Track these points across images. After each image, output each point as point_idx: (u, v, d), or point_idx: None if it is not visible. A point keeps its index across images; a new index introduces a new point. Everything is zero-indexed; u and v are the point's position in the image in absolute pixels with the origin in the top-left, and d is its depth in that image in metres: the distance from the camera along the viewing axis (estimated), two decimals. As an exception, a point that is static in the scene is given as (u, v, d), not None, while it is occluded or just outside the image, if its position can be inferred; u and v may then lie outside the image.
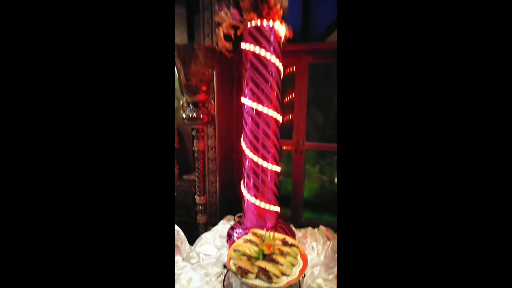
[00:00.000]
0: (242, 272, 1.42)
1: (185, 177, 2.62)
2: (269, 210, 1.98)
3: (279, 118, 1.88)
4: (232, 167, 2.71)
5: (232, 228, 2.14)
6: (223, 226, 2.30)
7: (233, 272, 1.45)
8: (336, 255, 1.91)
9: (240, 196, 2.10)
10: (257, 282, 1.40)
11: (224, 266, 1.77)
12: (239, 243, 1.66)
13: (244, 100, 1.87)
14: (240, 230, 2.04)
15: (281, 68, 1.83)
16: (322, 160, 2.85)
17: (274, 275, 1.39)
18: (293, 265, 1.50)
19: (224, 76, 2.39)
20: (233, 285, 1.64)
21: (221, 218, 2.51)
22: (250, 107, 1.83)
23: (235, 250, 1.58)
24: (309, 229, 2.26)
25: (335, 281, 1.63)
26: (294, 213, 2.61)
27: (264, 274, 1.40)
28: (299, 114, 2.39)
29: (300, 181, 2.55)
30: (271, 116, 1.82)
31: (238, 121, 2.58)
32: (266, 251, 1.54)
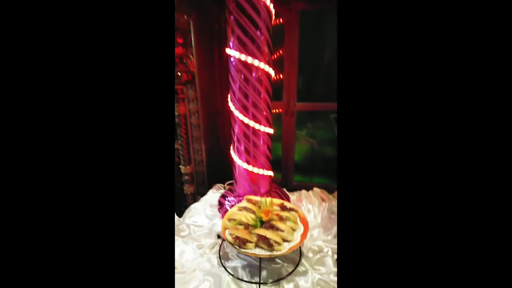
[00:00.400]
0: (240, 242, 1.30)
1: (166, 146, 2.38)
2: (262, 175, 1.84)
3: (272, 72, 1.65)
4: (218, 132, 2.50)
5: (223, 196, 2.01)
6: (213, 195, 2.15)
7: (230, 242, 1.33)
8: (332, 216, 1.86)
9: (229, 163, 1.94)
10: (257, 251, 1.29)
11: (218, 236, 1.66)
12: (233, 211, 1.53)
13: (229, 51, 1.59)
14: (232, 198, 1.90)
15: (272, 10, 1.54)
16: (309, 123, 2.73)
17: (275, 242, 1.28)
18: (294, 230, 1.41)
19: (202, 28, 2.05)
20: (229, 255, 1.54)
21: (209, 187, 2.36)
22: (238, 59, 1.56)
23: (230, 219, 1.45)
24: (303, 191, 2.18)
25: (335, 241, 1.59)
26: (285, 177, 2.53)
27: (265, 242, 1.29)
28: (290, 71, 2.16)
29: (291, 144, 2.42)
30: (262, 70, 1.58)
31: (222, 80, 2.31)
32: (264, 218, 1.42)
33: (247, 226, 1.40)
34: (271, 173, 1.91)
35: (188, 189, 2.16)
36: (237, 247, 1.30)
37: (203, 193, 2.30)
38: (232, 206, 1.82)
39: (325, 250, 1.52)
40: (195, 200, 2.24)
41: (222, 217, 1.82)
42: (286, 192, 2.17)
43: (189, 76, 1.90)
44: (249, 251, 1.29)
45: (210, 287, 1.31)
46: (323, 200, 2.07)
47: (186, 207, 2.05)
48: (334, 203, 2.01)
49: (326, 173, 2.60)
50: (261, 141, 1.77)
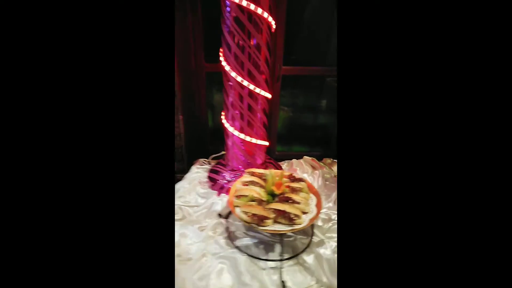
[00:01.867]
0: (258, 220, 1.15)
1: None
2: (259, 145, 1.68)
3: (273, 22, 1.41)
4: (197, 100, 2.17)
5: (214, 171, 1.79)
6: (197, 171, 1.91)
7: (246, 222, 1.17)
8: (327, 183, 1.85)
9: (209, 134, 1.70)
10: (278, 227, 1.17)
11: (220, 215, 1.48)
12: (239, 187, 1.35)
13: (224, -6, 1.29)
14: (228, 173, 1.71)
15: None
16: (283, 90, 2.61)
17: (295, 215, 1.18)
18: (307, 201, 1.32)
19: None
20: (236, 233, 1.39)
21: (189, 163, 2.09)
22: (235, 5, 1.27)
23: (238, 196, 1.28)
24: (294, 160, 2.11)
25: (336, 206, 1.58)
26: (268, 147, 2.41)
27: (284, 217, 1.17)
28: (277, 28, 1.92)
29: (275, 112, 2.27)
30: (265, 19, 1.33)
31: (196, 35, 1.94)
32: (276, 191, 1.29)
33: (260, 202, 1.25)
34: (267, 142, 1.76)
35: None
36: (255, 225, 1.16)
37: (183, 171, 2.04)
38: (229, 182, 1.63)
39: (333, 217, 1.50)
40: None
41: (218, 194, 1.62)
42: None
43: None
44: (269, 228, 1.16)
45: (228, 271, 1.16)
46: (314, 168, 2.03)
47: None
48: (326, 170, 1.99)
49: (304, 141, 2.56)
50: (259, 107, 1.57)
